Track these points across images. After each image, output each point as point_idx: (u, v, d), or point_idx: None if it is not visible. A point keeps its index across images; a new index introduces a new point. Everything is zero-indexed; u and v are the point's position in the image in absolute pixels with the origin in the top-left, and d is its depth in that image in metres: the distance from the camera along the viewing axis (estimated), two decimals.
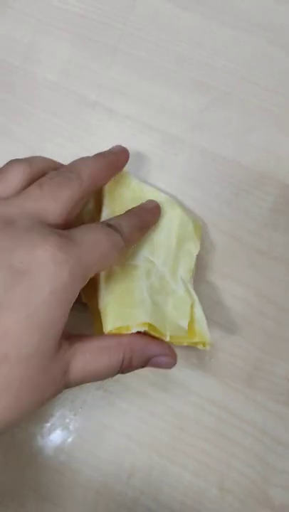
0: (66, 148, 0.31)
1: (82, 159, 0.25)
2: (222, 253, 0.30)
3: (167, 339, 0.25)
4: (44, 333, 0.19)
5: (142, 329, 0.24)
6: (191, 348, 0.29)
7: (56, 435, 0.29)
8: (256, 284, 0.30)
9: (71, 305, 0.21)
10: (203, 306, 0.30)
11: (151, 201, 0.27)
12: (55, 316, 0.20)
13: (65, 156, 0.31)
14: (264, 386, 0.29)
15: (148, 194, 0.28)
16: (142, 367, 0.24)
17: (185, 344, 0.26)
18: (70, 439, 0.29)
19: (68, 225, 0.23)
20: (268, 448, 0.29)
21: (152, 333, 0.24)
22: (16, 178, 0.23)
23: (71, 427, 0.29)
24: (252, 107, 0.31)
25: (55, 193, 0.22)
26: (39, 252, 0.19)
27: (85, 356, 0.22)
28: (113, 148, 0.27)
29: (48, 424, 0.29)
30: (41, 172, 0.24)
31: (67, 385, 0.22)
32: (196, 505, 0.28)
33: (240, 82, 0.32)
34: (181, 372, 0.29)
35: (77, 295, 0.21)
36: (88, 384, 0.29)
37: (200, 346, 0.26)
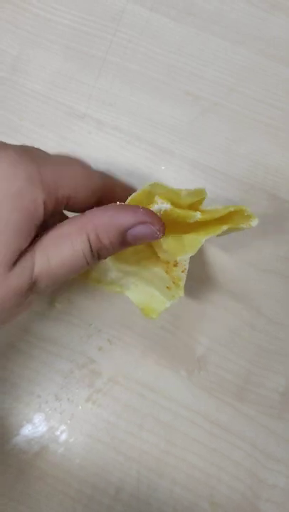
0: None
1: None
2: (212, 266, 0.30)
3: (198, 216, 0.22)
4: None
5: (165, 206, 0.21)
6: (180, 360, 0.29)
7: (45, 448, 0.29)
8: (246, 297, 0.30)
9: (34, 220, 0.19)
10: (193, 319, 0.30)
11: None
12: (9, 221, 0.18)
13: None
14: (254, 399, 0.29)
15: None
16: (121, 245, 0.21)
17: (224, 228, 0.23)
18: (59, 452, 0.29)
19: None
20: (258, 462, 0.28)
21: (177, 211, 0.21)
22: None
23: (60, 440, 0.29)
24: (241, 117, 0.31)
25: None
26: None
27: (47, 252, 0.19)
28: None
29: (37, 437, 0.28)
30: None
31: (39, 291, 0.20)
32: None
33: (230, 93, 0.31)
34: (170, 385, 0.29)
35: (41, 213, 0.19)
36: (77, 396, 0.29)
37: (244, 225, 0.23)
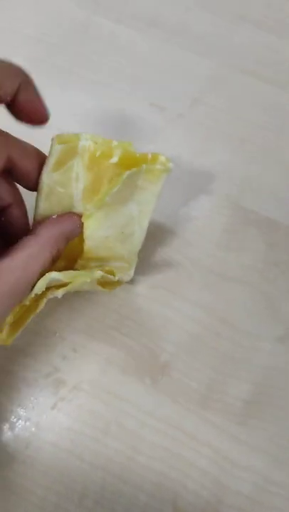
0: None
1: None
2: (176, 274, 0.30)
3: (117, 156, 0.24)
4: None
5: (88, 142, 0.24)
6: (145, 367, 0.29)
7: (10, 456, 0.29)
8: (211, 305, 0.30)
9: None
10: (158, 327, 0.30)
11: None
12: None
13: None
14: (218, 407, 0.29)
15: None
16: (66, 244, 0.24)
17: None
18: (23, 461, 0.29)
19: None
20: (222, 469, 0.29)
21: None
22: None
23: (25, 448, 0.29)
24: (205, 129, 0.32)
25: None
26: None
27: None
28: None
29: (1, 446, 0.29)
30: None
31: None
32: None
33: (194, 104, 0.32)
34: (134, 391, 0.29)
35: None
36: (42, 405, 0.29)
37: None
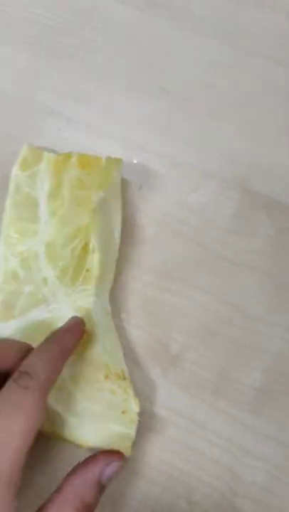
0: None
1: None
2: (185, 261, 0.30)
3: (74, 155, 0.28)
4: None
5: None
6: (155, 358, 0.29)
7: None
8: (221, 292, 0.29)
9: (15, 509, 0.20)
10: (168, 316, 0.29)
11: (71, 319, 0.27)
12: None
13: None
14: (230, 396, 0.28)
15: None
16: (102, 492, 0.23)
17: None
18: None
19: None
20: (236, 459, 0.28)
21: None
22: None
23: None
24: (213, 112, 0.31)
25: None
26: None
27: None
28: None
29: None
30: None
31: None
32: None
33: (202, 88, 0.31)
34: (145, 383, 0.29)
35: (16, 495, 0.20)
36: None
37: None
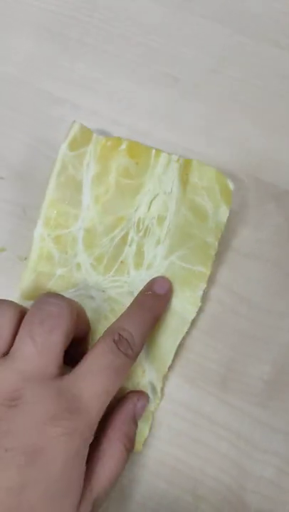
0: (30, 146, 0.30)
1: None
2: None
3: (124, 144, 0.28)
4: (64, 502, 0.20)
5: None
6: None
7: None
8: (229, 283, 0.29)
9: (85, 458, 0.22)
10: None
11: (160, 280, 0.27)
12: (71, 481, 0.21)
13: (27, 153, 0.30)
14: (238, 388, 0.28)
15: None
16: (136, 428, 0.26)
17: None
18: None
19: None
20: (243, 453, 0.28)
21: None
22: (6, 328, 0.22)
23: None
24: (222, 99, 0.30)
25: (49, 342, 0.22)
26: (49, 431, 0.20)
27: (101, 483, 0.23)
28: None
29: None
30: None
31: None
32: None
33: (210, 74, 0.31)
34: None
35: (88, 448, 0.22)
36: None
37: None
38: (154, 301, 0.26)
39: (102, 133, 0.30)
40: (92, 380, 0.22)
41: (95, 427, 0.22)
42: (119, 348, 0.23)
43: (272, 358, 0.28)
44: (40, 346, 0.21)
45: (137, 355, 0.24)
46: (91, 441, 0.22)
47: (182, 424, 0.28)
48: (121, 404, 0.25)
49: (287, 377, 0.28)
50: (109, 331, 0.24)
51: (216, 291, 0.29)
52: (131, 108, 0.31)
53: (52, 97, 0.31)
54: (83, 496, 0.22)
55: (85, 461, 0.21)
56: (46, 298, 0.23)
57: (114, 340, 0.23)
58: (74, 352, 0.24)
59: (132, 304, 0.26)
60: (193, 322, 0.28)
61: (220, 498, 0.27)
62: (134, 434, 0.25)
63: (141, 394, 0.26)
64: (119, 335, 0.23)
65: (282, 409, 0.28)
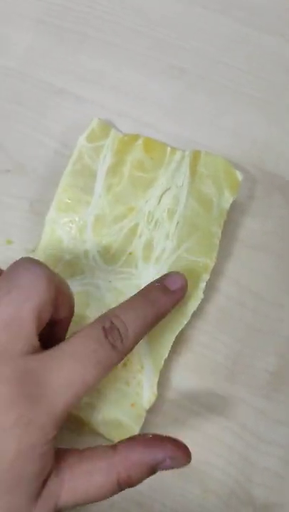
0: (35, 139, 0.30)
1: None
2: None
3: (140, 140, 0.28)
4: (14, 494, 0.18)
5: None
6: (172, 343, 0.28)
7: None
8: (235, 275, 0.29)
9: (49, 455, 0.19)
10: None
11: (175, 276, 0.24)
12: (23, 477, 0.18)
13: (32, 146, 0.30)
14: (244, 380, 0.28)
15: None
16: (149, 476, 0.21)
17: None
18: None
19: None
20: (249, 445, 0.28)
21: None
22: None
23: None
24: (226, 90, 0.30)
25: (15, 316, 0.19)
26: (1, 418, 0.18)
27: (75, 485, 0.20)
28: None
29: None
30: None
31: None
32: (177, 507, 0.27)
33: (214, 65, 0.31)
34: None
35: (52, 443, 0.19)
36: None
37: None
38: (160, 295, 0.23)
39: (108, 123, 0.30)
40: (68, 366, 0.19)
41: (60, 422, 0.19)
42: (106, 337, 0.20)
43: (278, 351, 0.28)
44: (4, 320, 0.19)
45: (127, 350, 0.21)
46: (55, 437, 0.19)
47: (188, 416, 0.28)
48: (152, 442, 0.21)
49: None
50: (102, 316, 0.21)
51: (222, 283, 0.29)
52: (134, 100, 0.31)
53: (55, 90, 0.31)
54: (42, 496, 0.19)
55: (48, 459, 0.19)
56: (21, 263, 0.20)
57: (103, 328, 0.20)
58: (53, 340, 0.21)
59: (135, 294, 0.23)
60: (200, 315, 0.28)
61: (226, 490, 0.27)
62: (141, 481, 0.21)
63: (182, 454, 0.21)
64: (111, 322, 0.20)
65: (286, 401, 0.28)
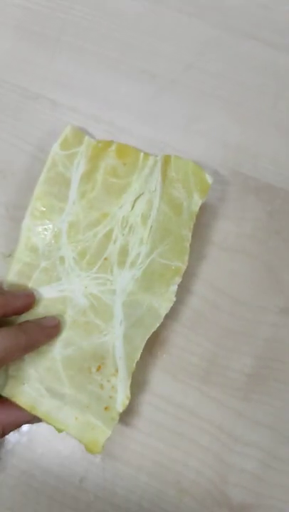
0: (10, 143, 0.30)
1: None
2: None
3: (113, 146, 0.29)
4: None
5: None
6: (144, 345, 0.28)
7: (7, 438, 0.28)
8: (210, 277, 0.29)
9: None
10: None
11: (50, 318, 0.27)
12: None
13: (8, 151, 0.30)
14: (220, 382, 0.28)
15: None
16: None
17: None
18: (21, 442, 0.28)
19: None
20: (225, 446, 0.28)
21: None
22: None
23: (23, 429, 0.28)
24: (199, 94, 0.30)
25: None
26: None
27: None
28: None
29: None
30: None
31: None
32: (153, 508, 0.28)
33: (187, 69, 0.31)
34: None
35: None
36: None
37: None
38: (33, 326, 0.26)
39: (81, 129, 0.30)
40: None
41: None
42: None
43: (254, 352, 0.28)
44: None
45: None
46: None
47: (164, 417, 0.28)
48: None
49: (270, 371, 0.28)
50: None
51: (197, 286, 0.29)
52: (109, 104, 0.31)
53: (29, 94, 0.31)
54: None
55: None
56: None
57: None
58: None
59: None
60: (176, 317, 0.28)
61: (202, 491, 0.27)
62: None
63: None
64: None
65: (264, 402, 0.28)
